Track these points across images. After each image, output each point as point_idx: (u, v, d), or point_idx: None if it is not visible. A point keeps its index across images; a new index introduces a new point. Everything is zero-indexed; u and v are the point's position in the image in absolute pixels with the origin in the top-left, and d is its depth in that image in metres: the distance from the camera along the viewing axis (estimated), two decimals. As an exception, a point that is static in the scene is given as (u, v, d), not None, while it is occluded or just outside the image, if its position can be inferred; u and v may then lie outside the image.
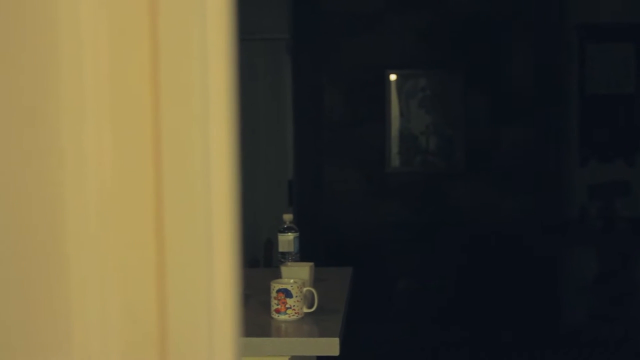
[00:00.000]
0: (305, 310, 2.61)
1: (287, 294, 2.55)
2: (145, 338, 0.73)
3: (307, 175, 5.65)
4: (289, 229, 3.11)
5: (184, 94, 0.72)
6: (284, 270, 2.82)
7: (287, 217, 3.15)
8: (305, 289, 2.61)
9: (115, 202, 0.71)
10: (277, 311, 2.56)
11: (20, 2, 0.68)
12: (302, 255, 3.20)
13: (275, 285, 2.57)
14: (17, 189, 0.69)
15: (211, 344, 0.75)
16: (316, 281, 2.89)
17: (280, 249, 3.11)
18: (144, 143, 0.72)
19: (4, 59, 0.68)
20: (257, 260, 4.28)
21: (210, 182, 0.74)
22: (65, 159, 0.70)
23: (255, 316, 2.62)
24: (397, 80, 5.76)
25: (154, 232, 0.73)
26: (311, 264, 2.86)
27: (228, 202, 0.75)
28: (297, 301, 2.56)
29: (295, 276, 2.74)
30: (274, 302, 2.56)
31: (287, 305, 2.55)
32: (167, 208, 0.72)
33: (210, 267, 0.74)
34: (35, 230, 0.69)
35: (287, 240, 3.09)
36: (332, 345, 2.37)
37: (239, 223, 0.76)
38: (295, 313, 2.56)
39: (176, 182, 0.73)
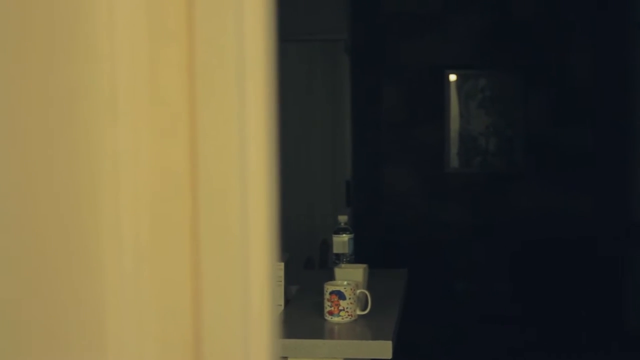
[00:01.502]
0: (359, 312, 2.59)
1: (340, 295, 2.54)
2: (180, 338, 0.73)
3: (365, 176, 5.63)
4: (343, 230, 3.10)
5: (220, 96, 0.72)
6: (337, 271, 2.81)
7: (342, 218, 3.14)
8: (358, 291, 2.60)
9: (150, 202, 0.71)
10: (330, 313, 2.55)
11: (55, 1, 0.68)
12: (359, 256, 3.18)
13: (329, 287, 2.56)
14: (50, 188, 0.69)
15: (246, 345, 0.74)
16: (371, 283, 2.87)
17: (335, 251, 3.10)
18: (180, 144, 0.72)
19: (38, 57, 0.68)
20: (313, 262, 4.29)
21: (247, 181, 0.74)
22: (100, 155, 0.70)
23: (308, 318, 2.62)
24: (456, 81, 5.71)
25: (190, 234, 0.72)
26: (365, 265, 2.85)
27: (265, 203, 0.75)
28: (350, 303, 2.55)
29: (349, 278, 2.72)
30: (327, 303, 2.55)
31: (340, 307, 2.54)
32: (202, 210, 0.72)
33: (245, 269, 0.74)
34: (69, 229, 0.69)
35: (341, 242, 3.08)
36: (384, 348, 2.35)
37: (276, 225, 0.75)
38: (349, 315, 2.55)
39: (211, 183, 0.72)
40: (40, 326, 0.69)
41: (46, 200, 0.69)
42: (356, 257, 3.16)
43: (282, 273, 2.71)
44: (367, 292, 2.62)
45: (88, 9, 0.68)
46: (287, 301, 2.86)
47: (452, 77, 5.71)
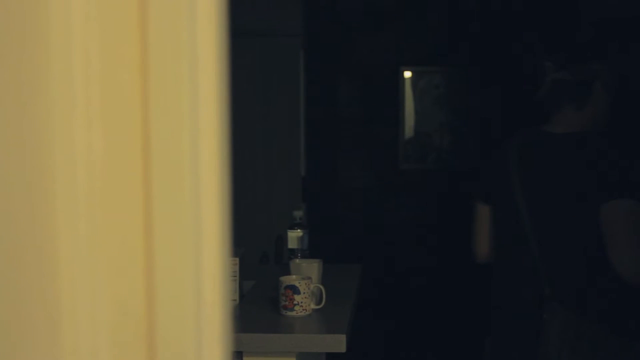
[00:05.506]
0: (313, 306, 2.61)
1: (295, 290, 2.56)
2: (133, 333, 0.73)
3: (320, 172, 5.65)
4: (298, 226, 3.11)
5: (173, 94, 0.73)
6: (292, 266, 2.83)
7: (297, 213, 3.16)
8: (313, 286, 2.62)
9: (104, 199, 0.72)
10: (285, 307, 2.57)
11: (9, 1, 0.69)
12: (315, 251, 3.20)
13: (283, 282, 2.58)
14: (5, 185, 0.70)
15: (199, 339, 0.75)
16: (325, 278, 2.90)
17: (290, 246, 3.12)
18: (133, 141, 0.73)
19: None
20: (268, 257, 4.30)
21: (200, 177, 0.75)
22: (55, 155, 0.71)
23: (263, 312, 2.63)
24: (411, 77, 5.75)
25: (143, 228, 0.73)
26: (319, 260, 2.87)
27: (217, 197, 0.76)
28: (305, 297, 2.56)
29: (304, 273, 2.74)
30: (281, 298, 2.57)
31: (295, 302, 2.55)
32: (155, 204, 0.73)
33: (198, 263, 0.75)
34: (24, 226, 0.70)
35: (296, 237, 3.10)
36: (338, 342, 2.37)
37: (229, 219, 0.77)
38: (303, 309, 2.56)
39: (165, 180, 0.73)
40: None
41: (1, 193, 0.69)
42: (311, 252, 3.18)
43: (237, 268, 2.72)
44: (321, 287, 2.64)
45: (43, 7, 0.69)
46: (242, 296, 2.87)
47: (407, 74, 5.75)
